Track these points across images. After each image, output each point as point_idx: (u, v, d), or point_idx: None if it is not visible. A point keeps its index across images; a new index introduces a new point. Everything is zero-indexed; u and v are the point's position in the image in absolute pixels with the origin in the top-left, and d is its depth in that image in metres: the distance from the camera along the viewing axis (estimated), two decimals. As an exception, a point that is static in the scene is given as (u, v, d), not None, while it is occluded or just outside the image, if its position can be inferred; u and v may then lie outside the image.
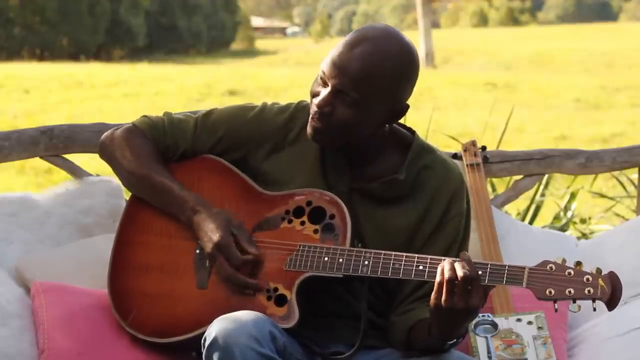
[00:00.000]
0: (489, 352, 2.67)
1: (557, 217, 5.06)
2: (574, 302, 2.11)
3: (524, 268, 2.14)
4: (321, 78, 2.30)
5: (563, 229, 4.78)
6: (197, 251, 2.43)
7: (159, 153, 2.51)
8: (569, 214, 4.98)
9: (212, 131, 2.49)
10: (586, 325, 2.91)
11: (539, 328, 2.72)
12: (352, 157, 2.40)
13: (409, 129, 2.46)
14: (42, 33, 31.13)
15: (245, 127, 2.48)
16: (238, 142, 2.48)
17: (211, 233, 2.36)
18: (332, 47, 2.32)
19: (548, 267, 2.13)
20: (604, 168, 3.40)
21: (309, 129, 2.33)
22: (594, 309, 2.12)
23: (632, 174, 4.89)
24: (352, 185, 2.40)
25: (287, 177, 2.43)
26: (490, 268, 2.15)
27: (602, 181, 7.91)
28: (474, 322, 2.71)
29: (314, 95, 2.31)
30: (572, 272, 2.12)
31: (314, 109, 2.31)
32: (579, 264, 2.13)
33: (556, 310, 2.14)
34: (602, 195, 5.50)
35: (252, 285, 2.33)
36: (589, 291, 2.11)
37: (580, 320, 2.95)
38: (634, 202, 4.83)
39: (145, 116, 2.55)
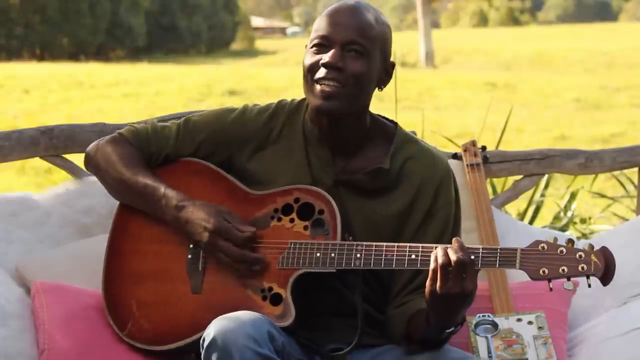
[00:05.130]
0: (489, 352, 2.67)
1: (557, 217, 5.06)
2: (569, 280, 2.11)
3: (515, 249, 2.15)
4: (318, 45, 2.35)
5: (563, 229, 4.78)
6: (189, 256, 2.44)
7: (144, 159, 2.52)
8: (569, 214, 4.98)
9: (193, 136, 2.51)
10: (586, 325, 2.91)
11: (540, 328, 2.72)
12: (337, 149, 2.42)
13: (391, 121, 2.48)
14: (43, 33, 31.09)
15: (226, 129, 2.49)
16: (220, 145, 2.49)
17: (204, 222, 2.36)
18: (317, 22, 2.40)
19: (540, 247, 2.14)
20: (604, 168, 3.41)
21: (317, 101, 2.35)
22: (589, 285, 2.12)
23: (632, 174, 4.88)
24: (338, 178, 2.41)
25: (272, 175, 2.44)
26: (482, 252, 2.16)
27: (602, 181, 7.91)
28: (474, 322, 2.71)
29: (313, 65, 2.35)
30: (565, 250, 2.13)
31: (320, 73, 2.34)
32: (570, 241, 2.13)
33: (551, 289, 2.14)
34: (602, 195, 5.50)
35: (261, 258, 2.34)
36: (582, 268, 2.11)
37: (581, 320, 2.95)
38: (634, 202, 4.83)
39: (130, 125, 2.58)
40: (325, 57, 2.33)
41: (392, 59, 2.44)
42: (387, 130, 2.46)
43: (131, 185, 2.48)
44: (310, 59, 2.36)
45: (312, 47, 2.37)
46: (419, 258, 2.23)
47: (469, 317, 2.70)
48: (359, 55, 2.33)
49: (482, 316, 2.73)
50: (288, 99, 2.54)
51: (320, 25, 2.37)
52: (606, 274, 2.10)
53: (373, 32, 2.34)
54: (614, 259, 2.11)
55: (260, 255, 2.35)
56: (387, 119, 2.49)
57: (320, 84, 2.34)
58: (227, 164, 2.50)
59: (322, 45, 2.35)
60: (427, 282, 2.15)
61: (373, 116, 2.46)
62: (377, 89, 2.41)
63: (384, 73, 2.41)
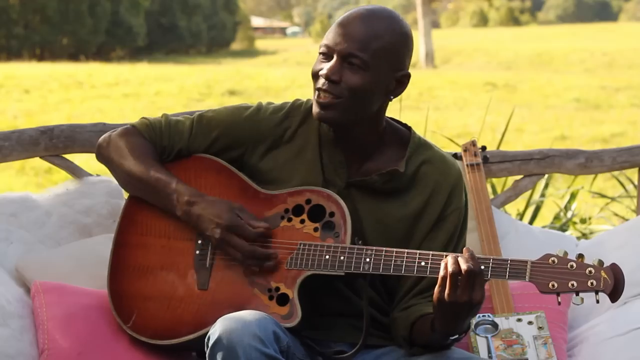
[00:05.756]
0: (489, 352, 2.67)
1: (557, 217, 5.06)
2: (577, 294, 2.11)
3: (526, 262, 2.15)
4: (323, 53, 2.34)
5: (563, 229, 4.78)
6: (197, 252, 2.43)
7: (156, 152, 2.51)
8: (569, 214, 4.98)
9: (207, 131, 2.50)
10: (586, 325, 2.91)
11: (540, 328, 2.71)
12: (351, 151, 2.41)
13: (405, 125, 2.48)
14: (43, 33, 31.10)
15: (240, 127, 2.48)
16: (234, 142, 2.48)
17: (217, 218, 2.35)
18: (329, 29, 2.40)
19: (550, 261, 2.14)
20: (604, 168, 3.41)
21: (315, 109, 2.35)
22: (597, 301, 2.12)
23: (632, 174, 4.88)
24: (351, 179, 2.41)
25: (284, 175, 2.44)
26: (492, 263, 2.16)
27: (602, 181, 7.91)
28: (474, 322, 2.71)
29: (317, 72, 2.34)
30: (575, 265, 2.13)
31: (319, 83, 2.33)
32: (580, 256, 2.13)
33: (559, 303, 2.14)
34: (602, 195, 5.50)
35: (273, 254, 2.34)
36: (591, 283, 2.11)
37: (581, 320, 2.95)
38: (634, 202, 4.83)
39: (144, 118, 2.56)
40: (324, 69, 2.32)
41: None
42: (401, 134, 2.45)
43: (143, 179, 2.47)
44: (315, 66, 2.36)
45: (319, 54, 2.36)
46: (429, 265, 2.23)
47: (469, 317, 2.70)
48: (357, 68, 2.30)
49: (482, 316, 2.73)
50: (303, 99, 2.53)
51: (328, 33, 2.36)
52: (615, 291, 2.11)
53: (377, 44, 2.30)
54: (623, 276, 2.12)
55: (272, 251, 2.34)
56: (400, 122, 2.48)
57: (317, 93, 2.34)
58: (239, 162, 2.49)
59: (326, 54, 2.34)
60: (436, 289, 2.15)
61: (388, 121, 2.45)
62: (387, 98, 2.37)
63: (394, 84, 2.36)
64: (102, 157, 2.56)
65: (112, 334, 2.51)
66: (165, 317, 2.42)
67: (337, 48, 2.31)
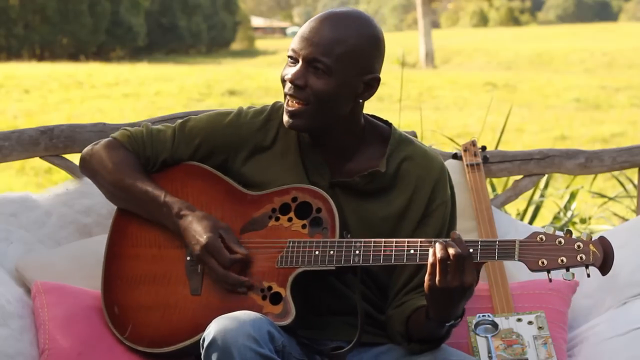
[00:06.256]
0: (489, 352, 2.67)
1: (557, 217, 5.06)
2: (567, 270, 2.12)
3: (514, 241, 2.16)
4: (290, 57, 2.33)
5: (563, 229, 4.78)
6: (188, 258, 2.44)
7: (140, 164, 2.51)
8: (569, 214, 4.98)
9: (189, 139, 2.50)
10: (586, 325, 2.91)
11: (540, 328, 2.71)
12: (331, 153, 2.41)
13: (385, 122, 2.47)
14: (43, 33, 31.09)
15: (222, 132, 2.48)
16: (216, 148, 2.49)
17: (198, 236, 2.36)
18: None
19: (538, 238, 2.15)
20: (604, 168, 3.41)
21: (285, 118, 2.35)
22: (588, 275, 2.13)
23: (632, 174, 4.88)
24: (333, 180, 2.41)
25: (268, 178, 2.44)
26: (481, 245, 2.17)
27: (602, 181, 7.91)
28: (474, 322, 2.71)
29: (282, 77, 2.34)
30: (563, 241, 2.13)
31: (286, 88, 2.33)
32: (568, 232, 2.14)
33: (550, 280, 2.15)
34: (602, 196, 5.50)
35: (245, 282, 2.34)
36: (581, 258, 2.11)
37: (581, 320, 2.95)
38: (633, 202, 4.83)
39: (125, 129, 2.56)
40: (289, 74, 2.32)
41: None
42: (382, 132, 2.45)
43: (130, 191, 2.47)
44: (283, 70, 2.36)
45: (287, 58, 2.36)
46: (418, 253, 2.23)
47: (469, 317, 2.70)
48: (322, 73, 2.29)
49: (482, 316, 2.73)
50: (282, 101, 2.53)
51: (295, 37, 2.35)
52: (605, 264, 2.11)
53: (341, 48, 2.28)
54: (612, 248, 2.12)
55: (244, 279, 2.34)
56: (380, 119, 2.48)
57: (287, 99, 2.34)
58: (223, 167, 2.49)
59: (293, 58, 2.33)
60: (426, 277, 2.15)
61: (367, 119, 2.45)
62: (356, 102, 2.36)
63: (362, 87, 2.34)
64: (87, 170, 2.57)
65: (113, 334, 2.51)
66: (161, 325, 2.42)
67: (302, 52, 2.30)
